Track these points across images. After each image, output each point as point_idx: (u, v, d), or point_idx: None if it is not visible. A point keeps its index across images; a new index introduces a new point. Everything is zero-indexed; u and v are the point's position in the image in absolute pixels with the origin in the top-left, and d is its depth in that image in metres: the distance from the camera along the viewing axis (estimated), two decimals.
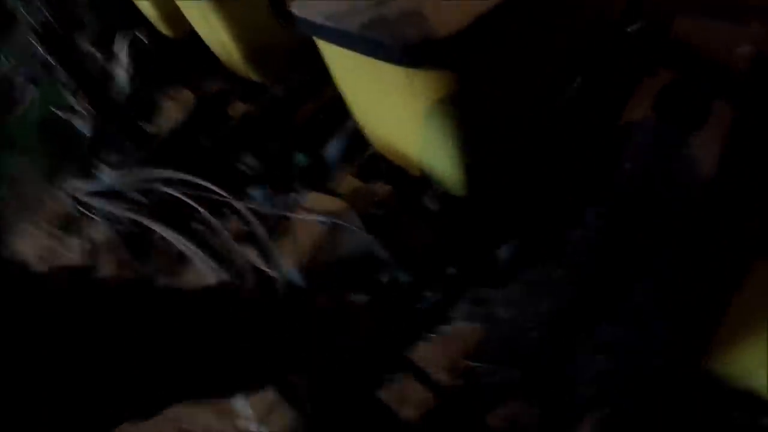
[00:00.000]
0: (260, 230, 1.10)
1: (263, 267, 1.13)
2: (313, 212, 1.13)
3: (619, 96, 1.46)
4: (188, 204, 1.14)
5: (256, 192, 1.47)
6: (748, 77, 1.12)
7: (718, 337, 0.98)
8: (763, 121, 1.11)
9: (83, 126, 1.54)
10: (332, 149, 1.53)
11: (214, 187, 1.14)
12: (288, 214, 1.15)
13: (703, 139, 1.07)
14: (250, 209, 1.14)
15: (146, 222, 1.19)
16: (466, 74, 0.90)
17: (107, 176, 1.37)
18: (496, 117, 1.05)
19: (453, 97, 0.91)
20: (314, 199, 1.18)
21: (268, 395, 1.30)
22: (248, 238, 1.16)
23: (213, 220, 1.12)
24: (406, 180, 1.29)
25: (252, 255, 1.14)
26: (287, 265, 1.10)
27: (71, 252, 1.72)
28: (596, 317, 1.14)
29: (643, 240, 1.08)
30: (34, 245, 2.06)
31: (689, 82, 1.16)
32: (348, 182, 1.28)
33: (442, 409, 1.26)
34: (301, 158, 1.62)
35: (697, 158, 1.06)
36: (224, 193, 1.13)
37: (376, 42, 0.88)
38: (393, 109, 1.07)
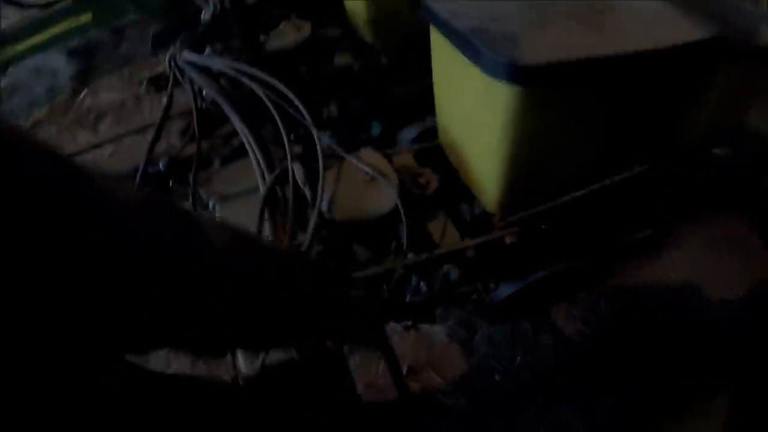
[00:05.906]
0: (317, 153, 1.17)
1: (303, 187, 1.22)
2: (362, 161, 1.26)
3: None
4: (266, 107, 1.24)
5: (324, 135, 1.60)
6: None
7: None
8: None
9: (206, 11, 1.65)
10: (407, 133, 1.64)
11: (298, 104, 1.23)
12: (343, 153, 1.27)
13: None
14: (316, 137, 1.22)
15: (223, 105, 1.30)
16: (536, 105, 1.03)
17: (208, 56, 1.49)
18: (547, 154, 1.17)
19: (519, 117, 1.04)
20: (368, 153, 1.31)
21: None
22: (300, 159, 1.28)
23: (282, 127, 1.22)
24: (452, 180, 1.41)
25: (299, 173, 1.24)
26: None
27: (143, 112, 1.87)
28: None
29: None
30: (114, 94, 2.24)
31: None
32: (404, 157, 1.41)
33: None
34: (376, 128, 1.76)
35: None
36: (305, 112, 1.22)
37: (473, 47, 1.02)
38: (467, 108, 1.22)
